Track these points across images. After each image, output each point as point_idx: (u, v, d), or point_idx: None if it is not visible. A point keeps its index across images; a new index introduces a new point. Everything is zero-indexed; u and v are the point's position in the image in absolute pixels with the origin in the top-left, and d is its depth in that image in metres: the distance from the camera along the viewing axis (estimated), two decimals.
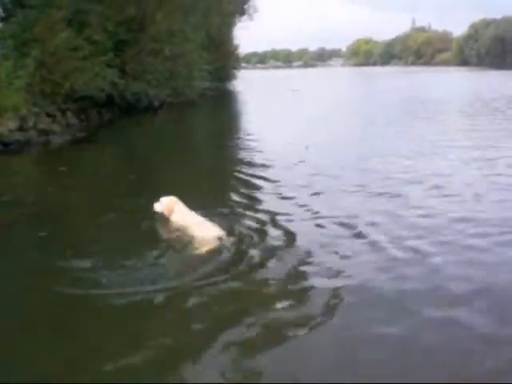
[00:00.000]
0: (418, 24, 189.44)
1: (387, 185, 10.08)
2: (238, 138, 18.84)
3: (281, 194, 9.71)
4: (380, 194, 9.35)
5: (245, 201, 9.29)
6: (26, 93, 18.12)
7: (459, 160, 12.55)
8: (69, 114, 20.73)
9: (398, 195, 9.27)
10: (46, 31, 20.20)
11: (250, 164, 12.88)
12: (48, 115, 19.25)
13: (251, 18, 51.46)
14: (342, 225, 7.67)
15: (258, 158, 13.53)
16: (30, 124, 17.48)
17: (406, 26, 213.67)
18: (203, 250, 6.80)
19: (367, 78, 79.74)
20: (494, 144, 14.52)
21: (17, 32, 19.78)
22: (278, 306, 5.40)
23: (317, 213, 8.32)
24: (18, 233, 8.00)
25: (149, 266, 6.20)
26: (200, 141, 20.04)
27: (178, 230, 7.43)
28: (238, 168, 12.46)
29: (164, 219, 7.75)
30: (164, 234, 7.60)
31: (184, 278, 5.96)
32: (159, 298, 5.52)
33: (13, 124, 16.50)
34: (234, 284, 5.85)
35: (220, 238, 7.01)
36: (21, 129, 16.80)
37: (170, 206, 7.74)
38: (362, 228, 7.48)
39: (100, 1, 23.15)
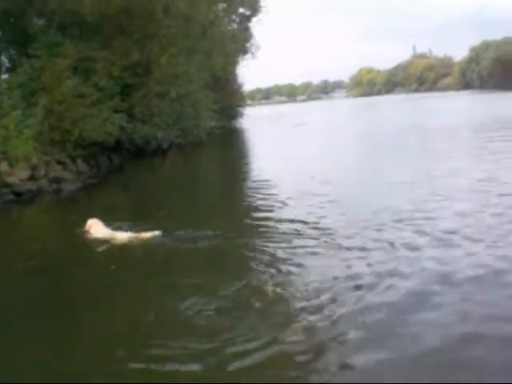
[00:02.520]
0: (419, 51, 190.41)
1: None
2: (246, 175, 19.03)
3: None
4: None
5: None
6: (35, 142, 18.20)
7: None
8: (79, 160, 20.77)
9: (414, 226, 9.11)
10: (52, 80, 20.42)
11: (261, 201, 12.88)
12: (58, 163, 19.30)
13: (254, 56, 51.91)
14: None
15: (267, 193, 13.62)
16: (41, 173, 17.51)
17: (407, 54, 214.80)
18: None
19: (370, 108, 79.92)
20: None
21: (24, 82, 19.97)
22: None
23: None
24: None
25: None
26: (209, 179, 20.23)
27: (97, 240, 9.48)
28: (249, 211, 12.47)
29: (86, 235, 9.74)
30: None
31: None
32: None
33: (24, 173, 16.52)
34: None
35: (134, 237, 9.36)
36: (32, 178, 16.81)
37: (90, 225, 9.85)
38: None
39: (104, 47, 23.41)
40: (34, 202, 15.52)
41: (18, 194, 15.56)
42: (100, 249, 9.19)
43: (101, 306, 6.85)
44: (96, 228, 9.86)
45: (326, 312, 5.90)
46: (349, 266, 7.32)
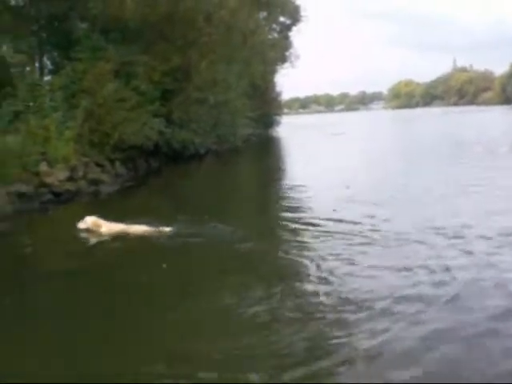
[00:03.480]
0: (460, 64, 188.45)
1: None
2: (282, 181, 19.14)
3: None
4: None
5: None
6: (75, 143, 18.45)
7: None
8: (117, 163, 21.01)
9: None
10: (94, 83, 20.70)
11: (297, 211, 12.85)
12: (97, 165, 19.54)
13: (293, 65, 51.96)
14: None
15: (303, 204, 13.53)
16: (80, 174, 17.73)
17: (447, 66, 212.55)
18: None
19: (408, 120, 79.17)
20: None
21: (66, 84, 20.29)
22: None
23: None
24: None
25: None
26: (244, 184, 20.44)
27: (109, 235, 10.04)
28: (282, 214, 12.61)
29: (91, 232, 10.22)
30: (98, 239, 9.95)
31: None
32: None
33: (63, 174, 16.74)
34: None
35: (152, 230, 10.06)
36: (71, 179, 17.02)
37: (96, 222, 10.29)
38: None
39: (146, 52, 23.66)
40: (71, 202, 15.71)
41: (56, 194, 15.77)
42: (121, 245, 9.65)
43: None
44: (106, 224, 10.40)
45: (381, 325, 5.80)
46: (394, 275, 7.32)
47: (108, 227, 10.33)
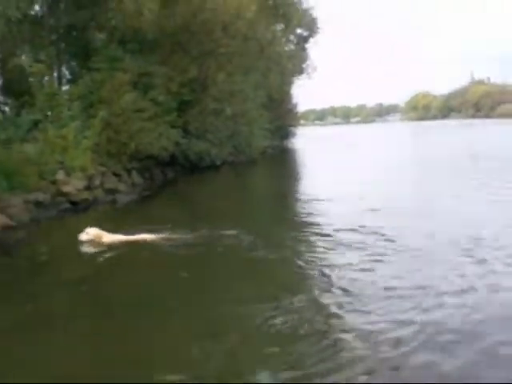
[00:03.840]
0: (477, 77, 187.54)
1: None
2: (297, 192, 19.09)
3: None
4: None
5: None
6: (92, 153, 18.55)
7: None
8: (134, 173, 21.11)
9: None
10: (112, 93, 20.84)
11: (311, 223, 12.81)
12: (114, 174, 19.64)
13: (310, 77, 51.99)
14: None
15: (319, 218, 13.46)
16: (97, 183, 17.81)
17: (464, 79, 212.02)
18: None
19: (426, 132, 78.79)
20: None
21: (84, 94, 20.46)
22: None
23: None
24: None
25: None
26: (260, 196, 20.26)
27: (112, 246, 10.01)
28: (298, 224, 12.66)
29: (93, 243, 10.18)
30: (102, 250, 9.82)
31: None
32: None
33: (80, 183, 16.81)
34: None
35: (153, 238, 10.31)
36: (88, 188, 17.10)
37: (98, 234, 10.33)
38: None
39: (163, 63, 23.80)
40: (88, 211, 15.76)
41: (73, 203, 15.82)
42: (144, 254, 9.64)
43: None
44: (107, 235, 10.47)
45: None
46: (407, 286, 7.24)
47: (110, 238, 10.43)
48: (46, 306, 7.20)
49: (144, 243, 10.17)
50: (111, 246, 10.02)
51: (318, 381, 4.84)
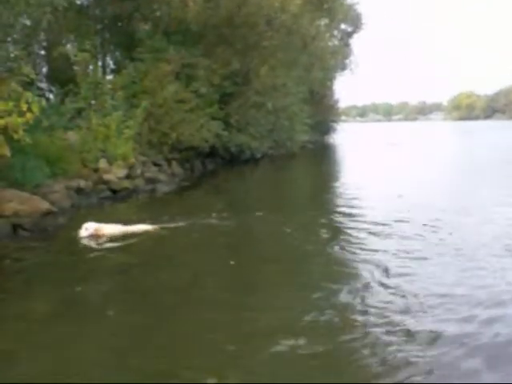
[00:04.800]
0: None
1: None
2: (335, 187, 18.93)
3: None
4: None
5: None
6: (134, 142, 18.71)
7: None
8: (174, 163, 21.24)
9: None
10: (155, 83, 20.99)
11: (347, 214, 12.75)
12: (155, 164, 19.80)
13: (352, 73, 51.75)
14: None
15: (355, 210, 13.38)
16: (138, 172, 17.96)
17: (510, 79, 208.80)
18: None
19: (470, 133, 77.41)
20: None
21: (127, 84, 20.61)
22: None
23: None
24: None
25: None
26: (297, 189, 20.25)
27: (112, 237, 9.91)
28: (332, 218, 12.54)
29: (94, 237, 9.90)
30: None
31: None
32: None
33: (121, 172, 16.95)
34: None
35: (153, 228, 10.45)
36: (128, 177, 17.24)
37: (98, 228, 10.09)
38: None
39: (206, 55, 23.86)
40: (128, 199, 15.91)
41: (114, 191, 15.98)
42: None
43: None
44: (107, 227, 10.28)
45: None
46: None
47: (110, 230, 10.25)
48: (85, 290, 7.30)
49: (144, 233, 10.28)
50: (112, 239, 9.92)
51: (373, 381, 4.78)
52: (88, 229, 10.08)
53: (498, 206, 13.31)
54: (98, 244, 9.66)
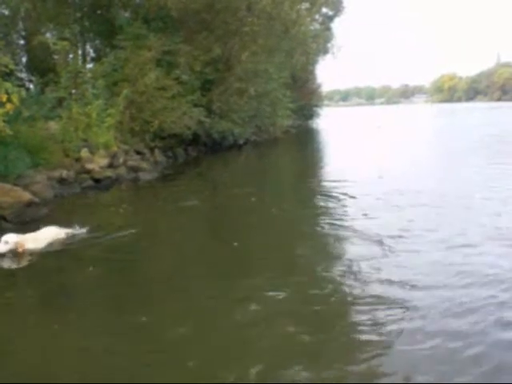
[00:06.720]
0: (504, 59, 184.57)
1: None
2: (319, 172, 19.10)
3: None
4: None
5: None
6: (116, 131, 18.63)
7: None
8: (156, 151, 21.19)
9: None
10: (135, 71, 20.87)
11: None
12: (137, 153, 19.74)
13: (335, 57, 51.66)
14: None
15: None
16: (120, 161, 17.89)
17: (491, 61, 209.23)
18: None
19: (452, 114, 77.59)
20: None
21: (108, 72, 20.49)
22: None
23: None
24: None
25: None
26: (281, 174, 20.52)
27: (39, 253, 8.42)
28: (319, 202, 12.75)
29: (16, 253, 8.25)
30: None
31: None
32: None
33: (103, 161, 16.91)
34: None
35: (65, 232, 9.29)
36: (111, 166, 17.19)
37: (20, 241, 8.34)
38: None
39: (187, 41, 23.71)
40: (111, 188, 15.86)
41: (96, 181, 15.92)
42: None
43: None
44: (31, 239, 8.64)
45: None
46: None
47: (36, 242, 8.64)
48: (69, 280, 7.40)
49: (52, 240, 9.03)
50: (38, 253, 8.52)
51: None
52: (8, 242, 8.30)
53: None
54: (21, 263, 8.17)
